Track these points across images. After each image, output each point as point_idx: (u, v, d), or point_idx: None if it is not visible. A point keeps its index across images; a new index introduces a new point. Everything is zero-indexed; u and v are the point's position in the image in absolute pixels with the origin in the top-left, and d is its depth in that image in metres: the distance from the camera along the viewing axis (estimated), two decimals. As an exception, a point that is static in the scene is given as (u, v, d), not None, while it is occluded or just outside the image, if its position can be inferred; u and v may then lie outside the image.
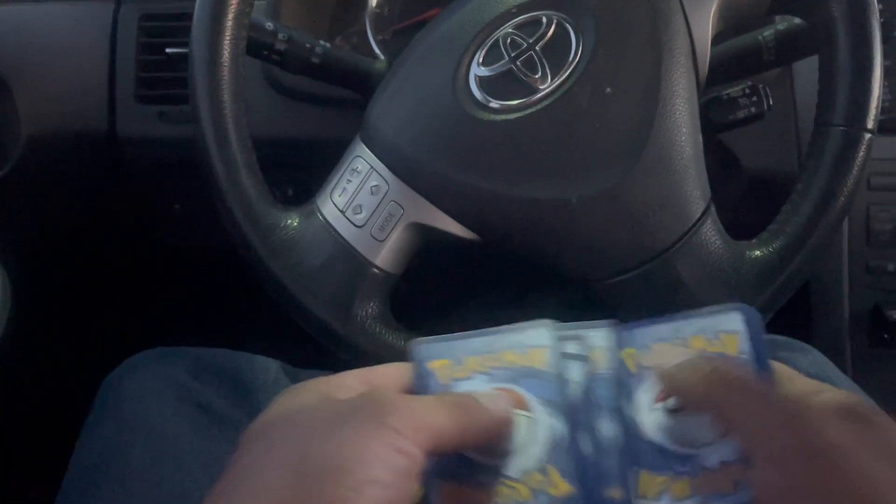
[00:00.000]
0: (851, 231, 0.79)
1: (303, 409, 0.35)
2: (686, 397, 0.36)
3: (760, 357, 0.38)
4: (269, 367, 0.69)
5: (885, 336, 0.80)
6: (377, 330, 0.55)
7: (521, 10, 0.54)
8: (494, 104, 0.53)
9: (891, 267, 0.79)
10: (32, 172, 0.83)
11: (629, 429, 0.38)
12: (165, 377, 0.64)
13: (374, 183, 0.54)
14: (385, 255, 0.54)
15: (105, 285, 1.11)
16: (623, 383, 0.39)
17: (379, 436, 0.32)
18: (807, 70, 0.74)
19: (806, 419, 0.31)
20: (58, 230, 0.97)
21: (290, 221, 0.55)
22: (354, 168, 0.55)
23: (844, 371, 0.81)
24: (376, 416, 0.32)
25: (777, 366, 0.38)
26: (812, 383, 0.37)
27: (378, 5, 0.85)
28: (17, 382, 0.97)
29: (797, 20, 0.62)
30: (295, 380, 0.68)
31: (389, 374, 0.40)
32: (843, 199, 0.52)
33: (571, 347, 0.40)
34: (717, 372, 0.35)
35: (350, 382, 0.37)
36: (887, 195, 0.79)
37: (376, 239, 0.54)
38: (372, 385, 0.37)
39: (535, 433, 0.38)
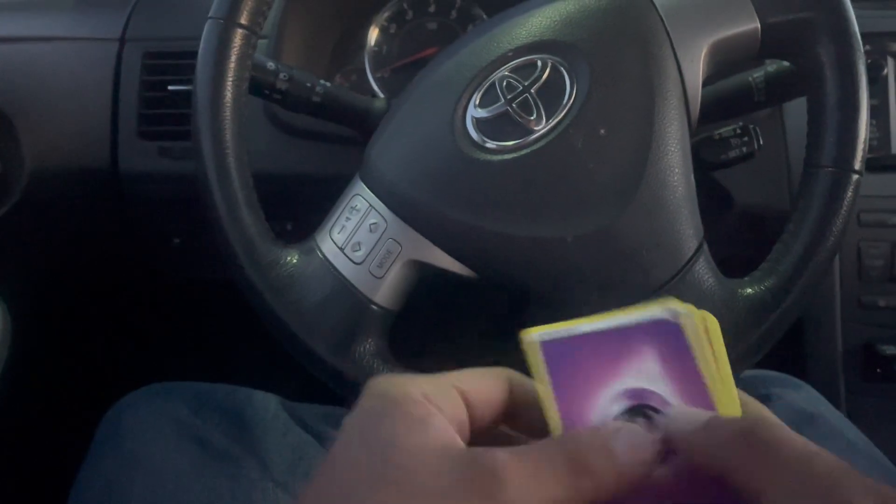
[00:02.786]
0: (843, 267, 0.80)
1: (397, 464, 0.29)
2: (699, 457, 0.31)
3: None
4: (268, 402, 0.69)
5: (878, 371, 0.80)
6: (376, 366, 0.55)
7: (517, 53, 0.56)
8: (491, 145, 0.54)
9: (882, 302, 0.80)
10: (35, 207, 0.84)
11: None
12: (165, 413, 0.64)
13: (373, 221, 0.55)
14: (383, 291, 0.55)
15: (105, 320, 1.11)
16: None
17: None
18: (797, 110, 0.76)
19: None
20: (59, 265, 0.98)
21: (289, 258, 0.56)
22: (353, 206, 0.56)
23: (837, 406, 0.81)
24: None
25: (752, 406, 0.34)
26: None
27: (377, 44, 0.87)
28: (17, 417, 0.97)
29: (786, 63, 0.63)
30: (294, 415, 0.69)
31: (492, 391, 0.34)
32: (832, 238, 0.53)
33: None
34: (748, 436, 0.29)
35: (452, 412, 0.31)
36: (877, 231, 0.80)
37: (375, 276, 0.55)
38: (470, 403, 0.32)
39: None
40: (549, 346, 0.34)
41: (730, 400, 0.32)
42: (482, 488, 0.27)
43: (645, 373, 0.33)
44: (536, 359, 0.34)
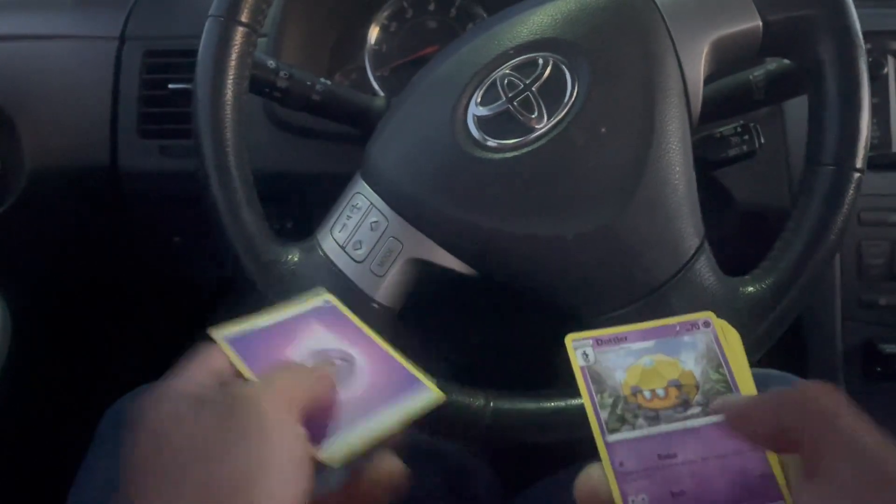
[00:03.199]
0: (844, 266, 0.80)
1: (180, 421, 0.34)
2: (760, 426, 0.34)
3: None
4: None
5: (879, 370, 0.80)
6: None
7: (518, 51, 0.56)
8: (492, 143, 0.54)
9: (883, 301, 0.80)
10: (35, 206, 0.84)
11: None
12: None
13: (374, 219, 0.55)
14: (384, 289, 0.55)
15: (105, 318, 1.11)
16: None
17: (274, 438, 0.33)
18: (797, 108, 0.75)
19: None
20: (59, 263, 0.98)
21: (290, 257, 0.56)
22: (354, 204, 0.56)
23: (838, 404, 0.81)
24: (260, 416, 0.33)
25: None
26: None
27: (377, 42, 0.87)
28: (17, 415, 0.97)
29: (787, 61, 0.63)
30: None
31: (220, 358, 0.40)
32: (833, 236, 0.53)
33: None
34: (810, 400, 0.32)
35: (201, 379, 0.38)
36: (878, 230, 0.80)
37: (376, 274, 0.55)
38: (218, 374, 0.39)
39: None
40: (234, 340, 0.41)
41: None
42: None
43: (321, 339, 0.42)
44: (228, 351, 0.40)
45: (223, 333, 0.42)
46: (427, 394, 0.39)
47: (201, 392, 0.36)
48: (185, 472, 0.32)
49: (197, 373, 0.38)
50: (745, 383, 0.36)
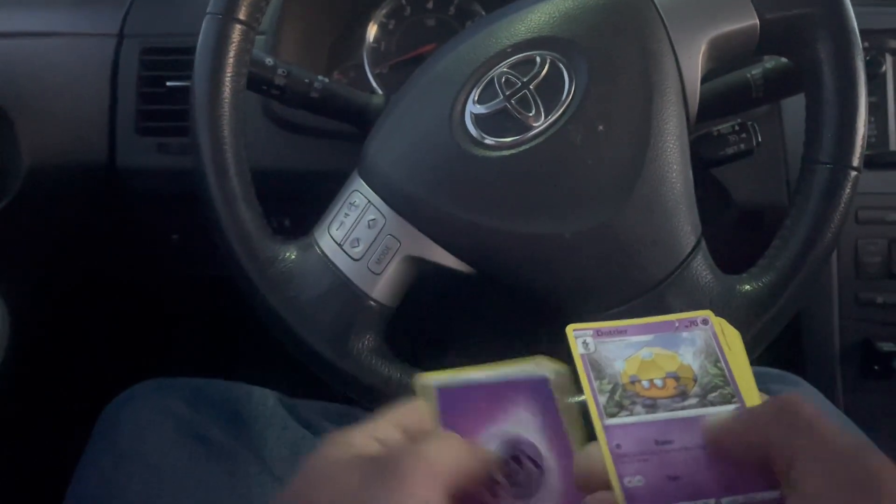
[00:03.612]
0: (841, 264, 0.80)
1: (330, 477, 0.35)
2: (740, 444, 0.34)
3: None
4: (266, 398, 0.69)
5: (876, 368, 0.81)
6: (373, 362, 0.55)
7: (516, 49, 0.56)
8: (489, 141, 0.54)
9: (880, 299, 0.80)
10: (33, 203, 0.84)
11: None
12: (163, 408, 0.64)
13: (372, 217, 0.55)
14: (381, 287, 0.55)
15: (103, 316, 1.11)
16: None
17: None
18: (795, 105, 0.76)
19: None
20: (57, 260, 0.98)
21: (287, 254, 0.56)
22: (352, 202, 0.56)
23: (835, 403, 0.81)
24: (403, 490, 0.33)
25: None
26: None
27: (375, 40, 0.87)
28: (15, 412, 0.97)
29: (784, 59, 0.63)
30: (292, 411, 0.69)
31: (416, 412, 0.40)
32: (830, 235, 0.53)
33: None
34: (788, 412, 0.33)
35: (384, 433, 0.37)
36: (875, 228, 0.80)
37: (373, 272, 0.55)
38: (404, 427, 0.38)
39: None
40: (442, 392, 0.40)
41: (752, 394, 0.36)
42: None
43: (521, 422, 0.39)
44: (431, 401, 0.40)
45: (434, 380, 0.40)
46: None
47: (364, 449, 0.36)
48: None
49: (383, 426, 0.38)
50: (746, 382, 0.36)
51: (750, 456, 0.33)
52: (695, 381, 0.37)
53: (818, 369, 0.82)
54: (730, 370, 0.37)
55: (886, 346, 0.79)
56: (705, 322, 0.38)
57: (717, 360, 0.37)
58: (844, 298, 0.81)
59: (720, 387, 0.36)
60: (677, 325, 0.39)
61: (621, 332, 0.38)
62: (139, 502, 0.58)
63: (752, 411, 0.34)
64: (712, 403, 0.35)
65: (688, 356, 0.37)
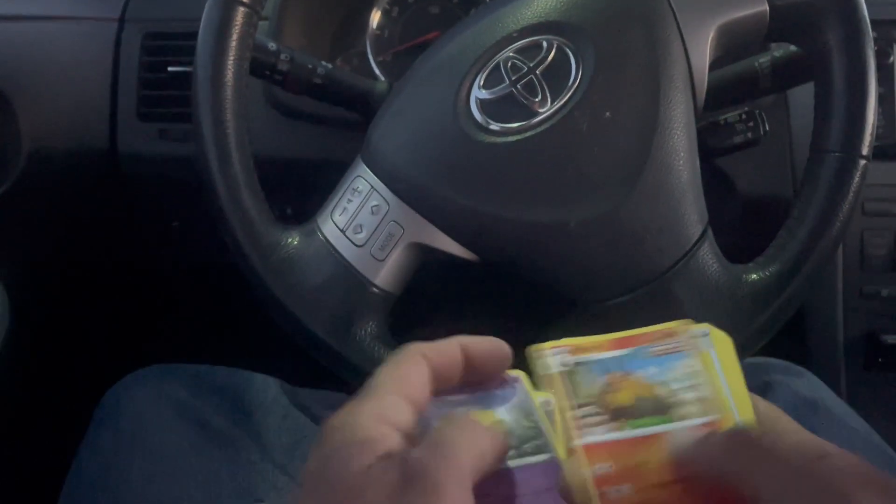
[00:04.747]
0: (846, 256, 0.80)
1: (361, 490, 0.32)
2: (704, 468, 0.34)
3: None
4: (268, 385, 0.69)
5: (880, 360, 0.80)
6: (376, 349, 0.55)
7: (522, 34, 0.55)
8: (495, 126, 0.53)
9: (884, 292, 0.80)
10: (34, 188, 0.83)
11: None
12: (164, 394, 0.64)
13: (375, 203, 0.55)
14: (385, 274, 0.54)
15: (105, 301, 1.11)
16: None
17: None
18: (802, 96, 0.75)
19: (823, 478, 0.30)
20: (58, 246, 0.97)
21: (290, 240, 0.56)
22: (355, 188, 0.55)
23: (839, 394, 0.81)
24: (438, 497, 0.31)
25: (763, 406, 0.37)
26: (792, 425, 0.36)
27: (378, 27, 0.87)
28: (16, 398, 0.97)
29: (793, 47, 0.63)
30: (294, 399, 0.68)
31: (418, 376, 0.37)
32: (838, 225, 0.52)
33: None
34: (736, 440, 0.33)
35: (395, 414, 0.35)
36: (881, 220, 0.79)
37: (376, 258, 0.54)
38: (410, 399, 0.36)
39: None
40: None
41: (744, 405, 0.36)
42: None
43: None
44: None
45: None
46: None
47: (379, 444, 0.33)
48: None
49: (390, 402, 0.35)
50: (739, 394, 0.36)
51: (715, 482, 0.32)
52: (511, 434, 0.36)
53: (822, 361, 0.82)
54: (728, 390, 0.36)
55: (891, 339, 0.79)
56: (516, 381, 0.38)
57: (531, 414, 0.36)
58: (849, 290, 0.80)
59: (533, 438, 0.36)
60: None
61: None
62: (139, 487, 0.58)
63: (711, 438, 0.33)
64: (529, 453, 0.35)
65: (501, 412, 0.37)
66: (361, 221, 0.55)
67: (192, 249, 0.96)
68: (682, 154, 0.53)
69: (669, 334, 0.38)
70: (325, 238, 0.55)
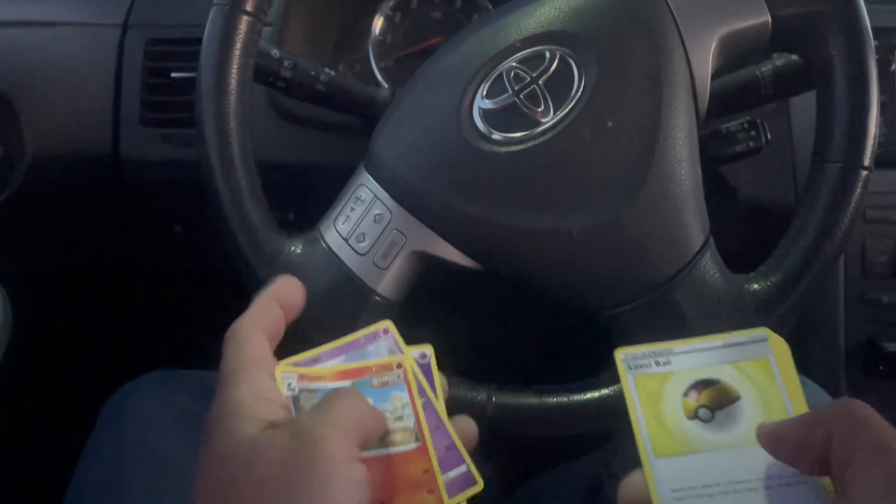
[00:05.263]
0: (847, 263, 0.80)
1: (248, 462, 0.36)
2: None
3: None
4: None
5: (881, 367, 0.80)
6: None
7: (525, 44, 0.55)
8: (497, 136, 0.53)
9: (886, 299, 0.80)
10: (37, 193, 0.84)
11: None
12: (167, 400, 0.64)
13: (378, 211, 0.55)
14: (387, 282, 0.55)
15: (106, 307, 1.11)
16: None
17: (338, 487, 0.35)
18: (804, 104, 0.75)
19: None
20: (60, 251, 0.98)
21: (293, 248, 0.56)
22: (358, 196, 0.56)
23: (840, 402, 0.81)
24: (326, 460, 0.36)
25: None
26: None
27: (381, 33, 0.87)
28: (18, 404, 0.97)
29: (794, 56, 0.63)
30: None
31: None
32: (840, 234, 0.53)
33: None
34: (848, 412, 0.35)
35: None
36: (883, 228, 0.79)
37: (379, 267, 0.54)
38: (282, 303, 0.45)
39: None
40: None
41: (801, 409, 0.39)
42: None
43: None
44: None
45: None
46: (471, 483, 0.42)
47: (272, 417, 0.38)
48: None
49: (256, 376, 0.41)
50: (796, 395, 0.39)
51: (803, 460, 0.34)
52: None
53: (823, 368, 0.81)
54: (786, 391, 0.40)
55: (892, 346, 0.79)
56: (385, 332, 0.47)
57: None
58: (850, 297, 0.80)
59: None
60: (362, 341, 0.46)
61: (316, 360, 0.45)
62: (142, 492, 0.58)
63: (808, 414, 0.36)
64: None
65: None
66: (364, 230, 0.55)
67: (193, 255, 0.97)
68: (684, 163, 0.53)
69: (388, 367, 0.44)
70: (328, 246, 0.55)
